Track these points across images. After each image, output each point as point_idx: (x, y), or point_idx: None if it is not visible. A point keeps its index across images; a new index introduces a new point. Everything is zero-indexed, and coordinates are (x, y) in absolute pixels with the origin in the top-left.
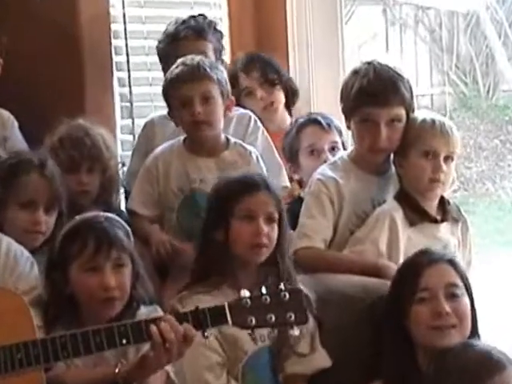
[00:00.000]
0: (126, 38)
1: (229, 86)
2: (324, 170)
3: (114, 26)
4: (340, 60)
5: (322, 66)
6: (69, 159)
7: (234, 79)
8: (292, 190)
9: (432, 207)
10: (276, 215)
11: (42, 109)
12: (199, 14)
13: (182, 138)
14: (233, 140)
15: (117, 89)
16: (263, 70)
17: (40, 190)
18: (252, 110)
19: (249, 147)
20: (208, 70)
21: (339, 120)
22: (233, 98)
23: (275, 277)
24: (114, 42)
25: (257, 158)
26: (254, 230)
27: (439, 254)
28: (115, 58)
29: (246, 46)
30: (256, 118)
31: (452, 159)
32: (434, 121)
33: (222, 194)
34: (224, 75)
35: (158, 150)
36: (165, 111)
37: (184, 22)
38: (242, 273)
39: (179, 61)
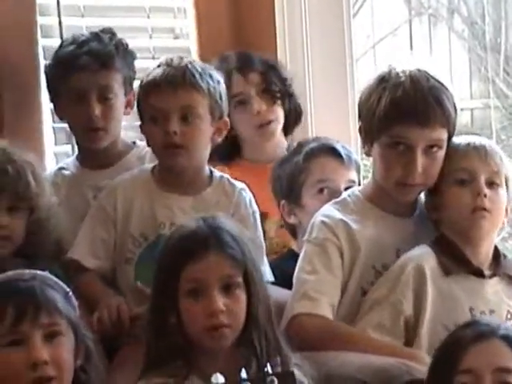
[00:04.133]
0: (61, 36)
1: (225, 103)
2: (329, 210)
3: (42, 19)
4: (347, 64)
5: (322, 71)
6: None
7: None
8: (280, 241)
9: (479, 256)
10: (238, 278)
11: None
12: (104, 30)
13: (149, 166)
14: (218, 174)
15: (47, 104)
16: (266, 74)
17: None
18: (238, 125)
19: (239, 184)
20: (197, 77)
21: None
22: (227, 119)
23: (258, 358)
24: (43, 41)
25: (250, 200)
26: (206, 308)
27: (490, 326)
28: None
29: (218, 45)
30: None
31: (498, 184)
32: (467, 141)
33: (164, 262)
34: (220, 88)
35: (118, 180)
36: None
37: (84, 42)
38: (211, 360)
39: (162, 59)
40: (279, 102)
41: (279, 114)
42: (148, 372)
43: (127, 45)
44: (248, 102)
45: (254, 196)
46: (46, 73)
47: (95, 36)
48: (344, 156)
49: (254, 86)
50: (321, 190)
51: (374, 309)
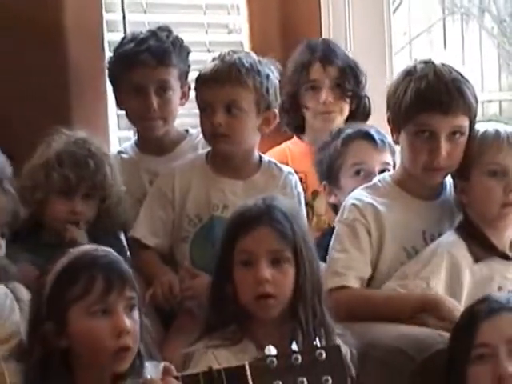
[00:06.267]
0: (124, 31)
1: (273, 96)
2: (360, 194)
3: (108, 15)
4: (387, 58)
5: (363, 65)
6: (64, 181)
7: (304, 66)
8: (328, 219)
9: (502, 240)
10: (287, 253)
11: (19, 117)
12: (161, 28)
13: (204, 152)
14: (266, 159)
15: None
16: (343, 71)
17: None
18: (305, 108)
19: (286, 168)
20: (243, 72)
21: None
22: (275, 111)
23: (306, 331)
24: (108, 35)
25: (295, 182)
26: (254, 277)
27: (502, 301)
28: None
29: (269, 41)
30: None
31: None
32: (497, 131)
33: (223, 236)
34: (268, 82)
35: (176, 165)
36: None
37: (143, 40)
38: (262, 328)
39: (218, 54)
40: (347, 99)
41: (343, 108)
42: (206, 335)
43: (182, 41)
44: (319, 90)
45: (308, 176)
46: (108, 67)
47: (153, 34)
48: (378, 140)
49: (330, 79)
50: (357, 172)
51: (404, 279)
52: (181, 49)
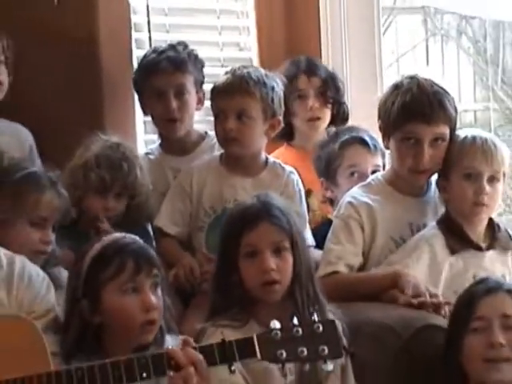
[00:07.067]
0: (150, 46)
1: (277, 105)
2: (356, 192)
3: (136, 35)
4: (377, 73)
5: (357, 79)
6: (100, 181)
7: (291, 79)
8: (321, 213)
9: (477, 233)
10: (286, 243)
11: (58, 122)
12: (179, 43)
13: (218, 154)
14: (272, 159)
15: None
16: (326, 81)
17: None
18: (294, 115)
19: (288, 168)
20: (251, 84)
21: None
22: (280, 118)
23: (302, 308)
24: (136, 52)
25: (297, 180)
26: (260, 267)
27: (498, 282)
28: None
29: (276, 57)
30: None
31: (498, 180)
32: (474, 138)
33: (226, 231)
34: (273, 93)
35: (194, 165)
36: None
37: (162, 52)
38: (264, 309)
39: (230, 69)
40: (330, 105)
41: (327, 114)
42: (214, 316)
43: (197, 55)
44: (306, 98)
45: (301, 176)
46: (133, 77)
47: (171, 47)
48: (371, 145)
49: (314, 88)
50: (351, 173)
51: (389, 265)
52: (196, 60)
